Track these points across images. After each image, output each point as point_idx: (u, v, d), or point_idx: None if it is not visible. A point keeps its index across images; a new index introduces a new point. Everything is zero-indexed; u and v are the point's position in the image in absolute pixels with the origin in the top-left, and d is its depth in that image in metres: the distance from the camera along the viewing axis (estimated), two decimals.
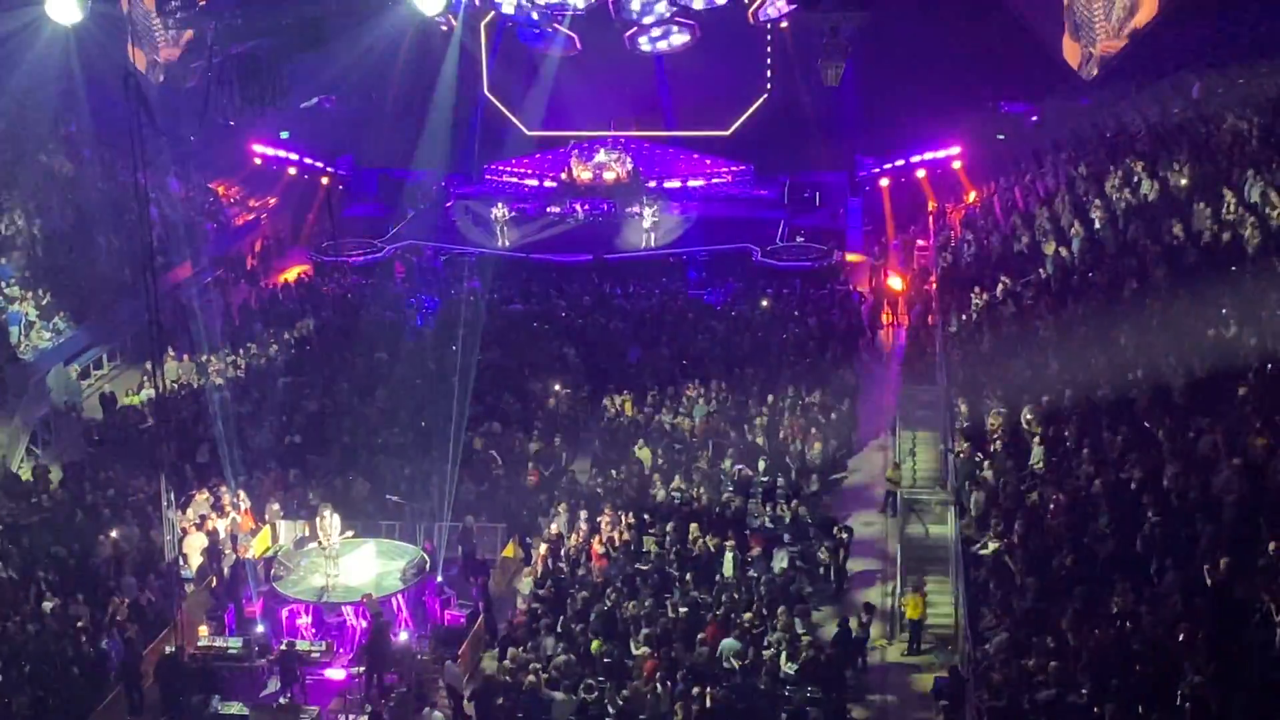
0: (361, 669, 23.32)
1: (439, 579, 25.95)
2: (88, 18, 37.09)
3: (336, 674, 23.40)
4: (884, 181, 46.53)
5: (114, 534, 26.70)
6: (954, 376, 29.64)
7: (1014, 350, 28.56)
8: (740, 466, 29.49)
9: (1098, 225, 32.13)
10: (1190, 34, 38.16)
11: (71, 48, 40.71)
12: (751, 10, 48.54)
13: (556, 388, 33.62)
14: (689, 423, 31.73)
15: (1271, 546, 18.68)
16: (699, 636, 23.08)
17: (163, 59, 46.12)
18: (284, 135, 49.40)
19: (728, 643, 22.81)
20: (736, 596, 24.52)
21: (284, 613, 24.83)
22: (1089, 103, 41.44)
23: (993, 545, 22.98)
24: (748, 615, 23.70)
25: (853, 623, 23.72)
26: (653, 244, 44.99)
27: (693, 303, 40.44)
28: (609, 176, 48.92)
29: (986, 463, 25.41)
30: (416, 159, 49.69)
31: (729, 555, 25.74)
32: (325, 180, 49.29)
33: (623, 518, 27.15)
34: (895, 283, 41.03)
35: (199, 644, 24.00)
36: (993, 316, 30.98)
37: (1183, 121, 35.79)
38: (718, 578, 25.44)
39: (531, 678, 21.90)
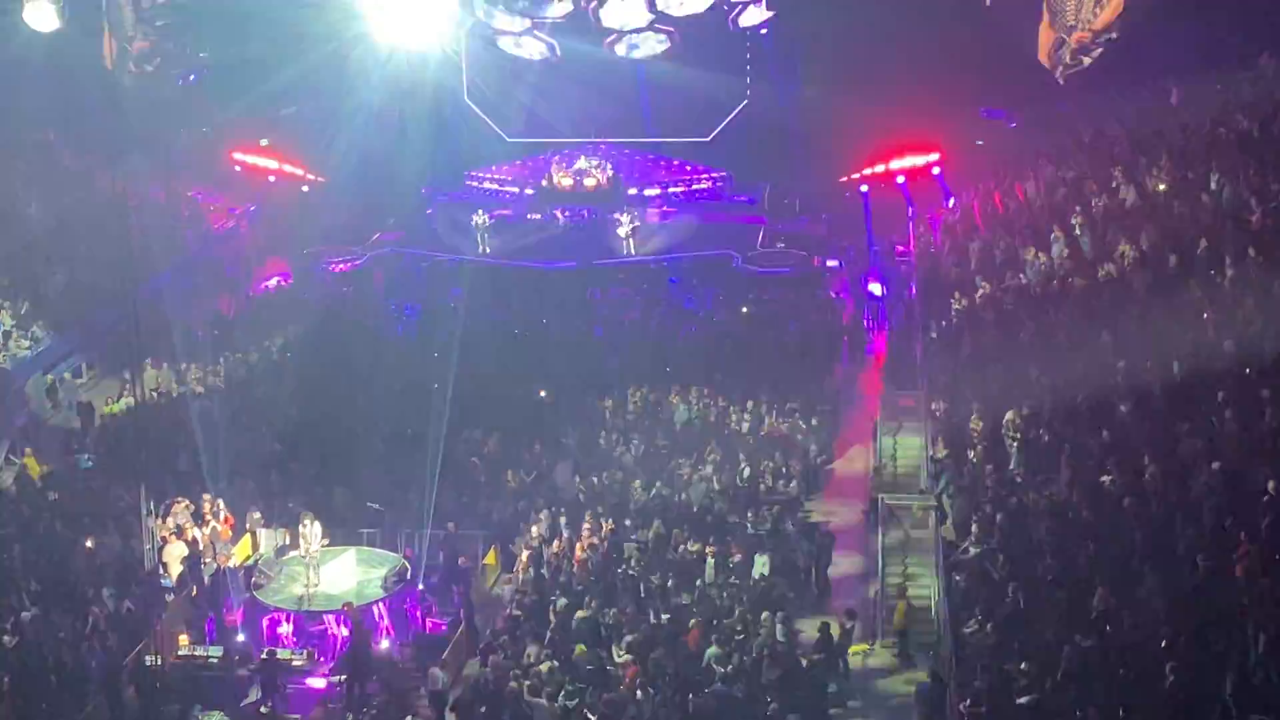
0: (342, 677, 23.28)
1: (420, 587, 25.90)
2: (66, 25, 36.99)
3: (317, 683, 23.36)
4: (864, 187, 46.57)
5: (89, 543, 26.57)
6: (935, 381, 29.71)
7: (994, 355, 28.62)
8: (722, 471, 29.48)
9: (1077, 230, 32.23)
10: (1169, 40, 38.25)
11: (50, 55, 40.50)
12: (731, 17, 48.55)
13: (541, 394, 33.57)
14: (670, 427, 31.71)
15: (1251, 548, 18.79)
16: (680, 642, 23.05)
17: (142, 67, 45.89)
18: (263, 142, 49.19)
19: (712, 649, 22.81)
20: (718, 602, 24.52)
21: (265, 621, 24.74)
22: (1068, 108, 41.51)
23: (974, 549, 23.04)
24: (729, 621, 23.70)
25: (834, 628, 23.73)
26: (630, 251, 45.00)
27: (674, 308, 40.43)
28: (589, 183, 48.95)
29: (967, 467, 25.47)
30: (397, 165, 49.55)
31: (710, 561, 25.73)
32: (306, 188, 49.08)
33: (604, 524, 27.11)
34: (876, 288, 41.04)
35: (179, 653, 23.94)
36: (973, 322, 31.05)
37: (1161, 127, 35.93)
38: (699, 583, 25.42)
39: (513, 684, 21.87)
